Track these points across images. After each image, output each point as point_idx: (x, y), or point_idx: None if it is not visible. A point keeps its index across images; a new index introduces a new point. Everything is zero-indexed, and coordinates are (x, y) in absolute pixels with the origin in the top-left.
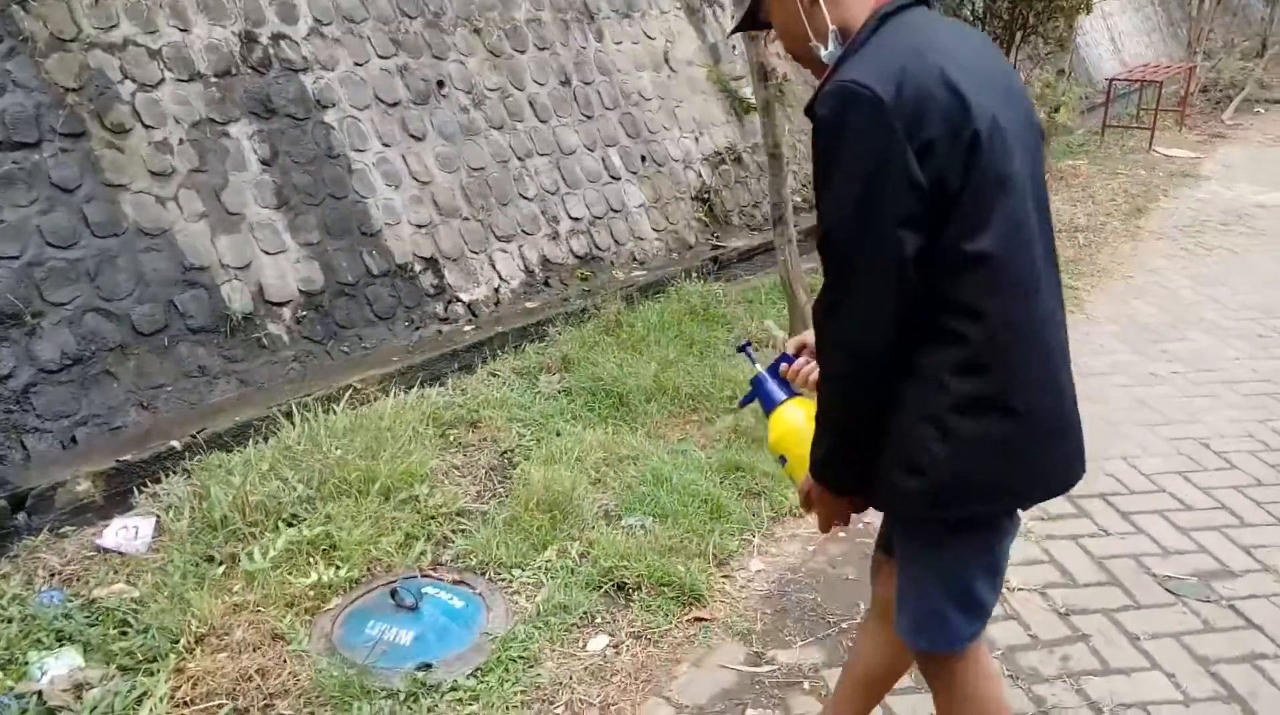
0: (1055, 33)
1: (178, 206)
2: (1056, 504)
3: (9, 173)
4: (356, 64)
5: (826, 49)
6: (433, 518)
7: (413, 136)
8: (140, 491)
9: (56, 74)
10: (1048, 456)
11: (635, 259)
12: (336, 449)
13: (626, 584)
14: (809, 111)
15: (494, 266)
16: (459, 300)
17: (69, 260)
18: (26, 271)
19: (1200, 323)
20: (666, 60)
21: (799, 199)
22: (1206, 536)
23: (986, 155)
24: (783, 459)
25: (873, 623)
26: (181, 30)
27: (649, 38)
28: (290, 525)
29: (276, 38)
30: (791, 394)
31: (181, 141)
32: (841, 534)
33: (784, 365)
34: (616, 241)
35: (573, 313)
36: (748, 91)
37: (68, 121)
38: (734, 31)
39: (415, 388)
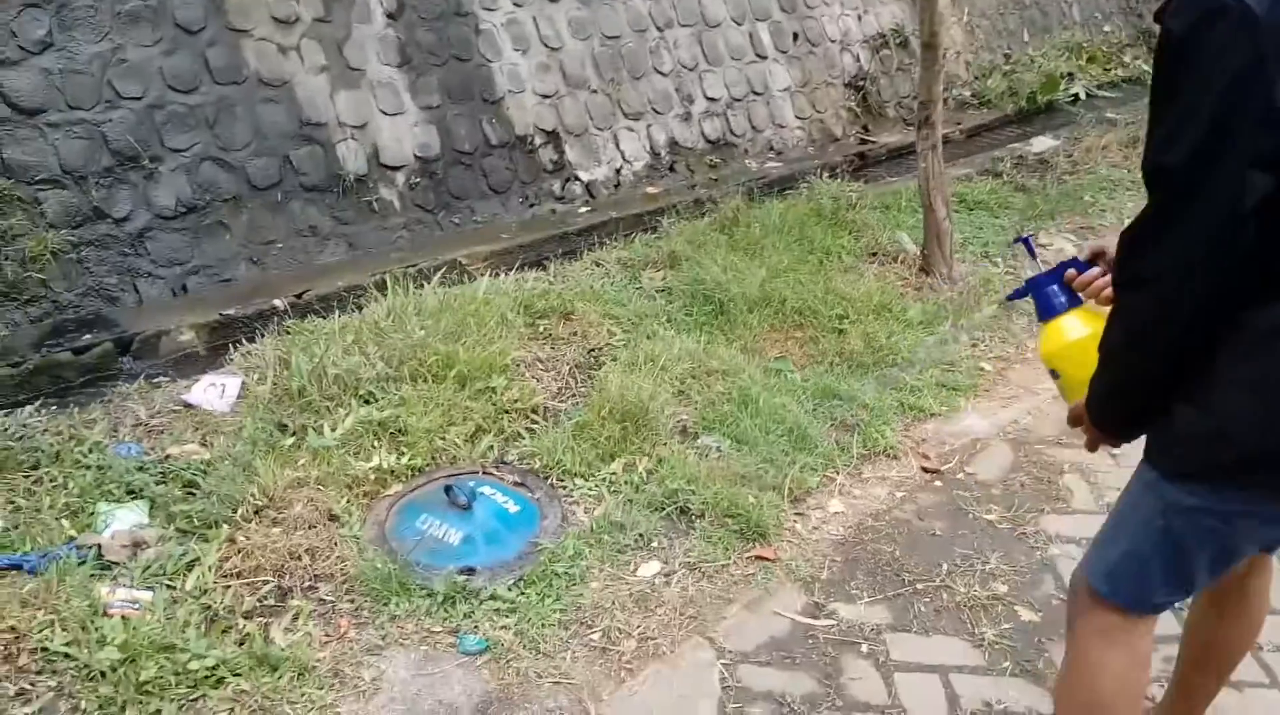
0: None
1: (299, 57)
2: None
3: (134, 9)
4: None
5: None
6: (506, 412)
7: None
8: (235, 348)
9: None
10: None
11: (772, 148)
12: (421, 329)
13: (690, 509)
14: (1158, 18)
15: (618, 146)
16: (578, 179)
17: (189, 106)
18: (147, 114)
19: None
20: None
21: (966, 93)
22: None
23: None
24: (1054, 373)
25: (1210, 604)
26: None
27: None
28: (366, 403)
29: None
30: (1076, 303)
31: None
32: (938, 483)
33: (1071, 270)
34: (754, 128)
35: (690, 204)
36: None
37: None
38: None
39: (515, 270)
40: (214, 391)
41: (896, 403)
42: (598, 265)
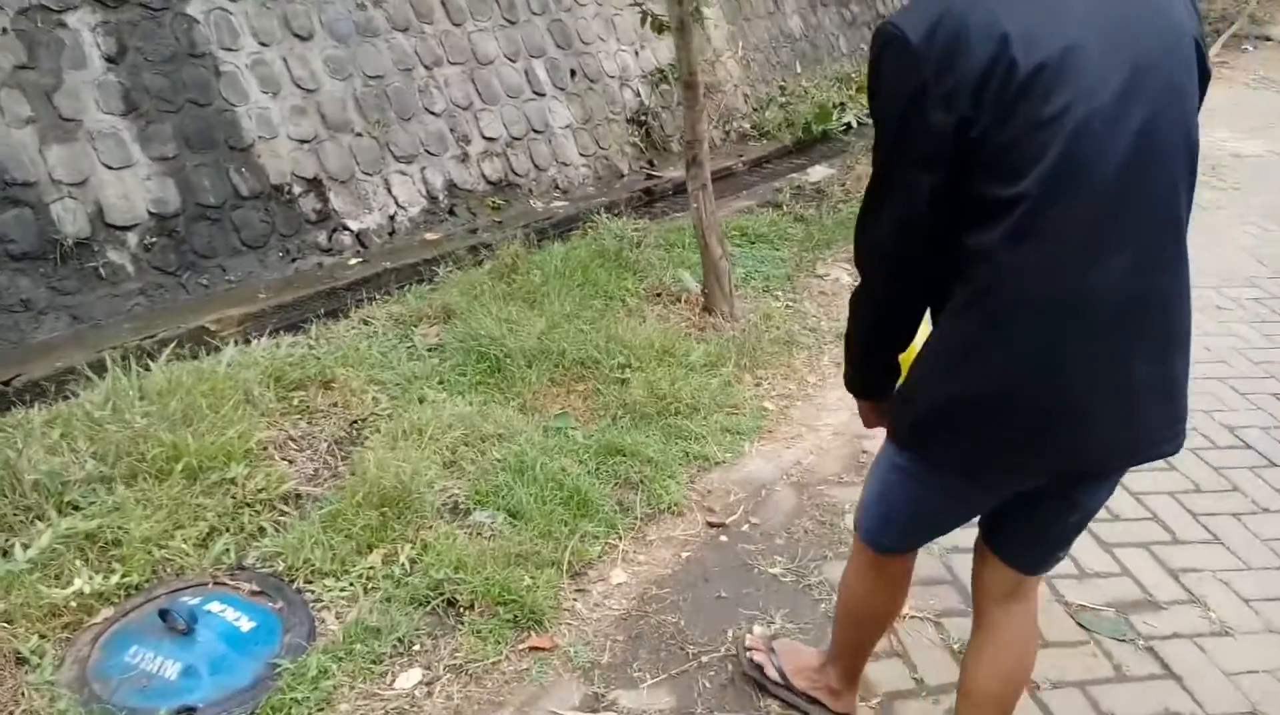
0: None
1: None
2: (1094, 558)
3: None
4: None
5: None
6: (249, 505)
7: (296, 35)
8: None
9: None
10: (1042, 427)
11: (558, 187)
12: (143, 417)
13: (458, 601)
14: None
15: (390, 191)
16: (346, 228)
17: None
18: None
19: None
20: None
21: (746, 125)
22: (1131, 556)
23: (1030, 99)
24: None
25: (978, 639)
26: None
27: None
28: (71, 511)
29: None
30: None
31: (5, 31)
32: (724, 538)
33: None
34: (537, 166)
35: (470, 249)
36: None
37: None
38: None
39: (271, 334)
40: None
41: (681, 453)
42: (365, 323)
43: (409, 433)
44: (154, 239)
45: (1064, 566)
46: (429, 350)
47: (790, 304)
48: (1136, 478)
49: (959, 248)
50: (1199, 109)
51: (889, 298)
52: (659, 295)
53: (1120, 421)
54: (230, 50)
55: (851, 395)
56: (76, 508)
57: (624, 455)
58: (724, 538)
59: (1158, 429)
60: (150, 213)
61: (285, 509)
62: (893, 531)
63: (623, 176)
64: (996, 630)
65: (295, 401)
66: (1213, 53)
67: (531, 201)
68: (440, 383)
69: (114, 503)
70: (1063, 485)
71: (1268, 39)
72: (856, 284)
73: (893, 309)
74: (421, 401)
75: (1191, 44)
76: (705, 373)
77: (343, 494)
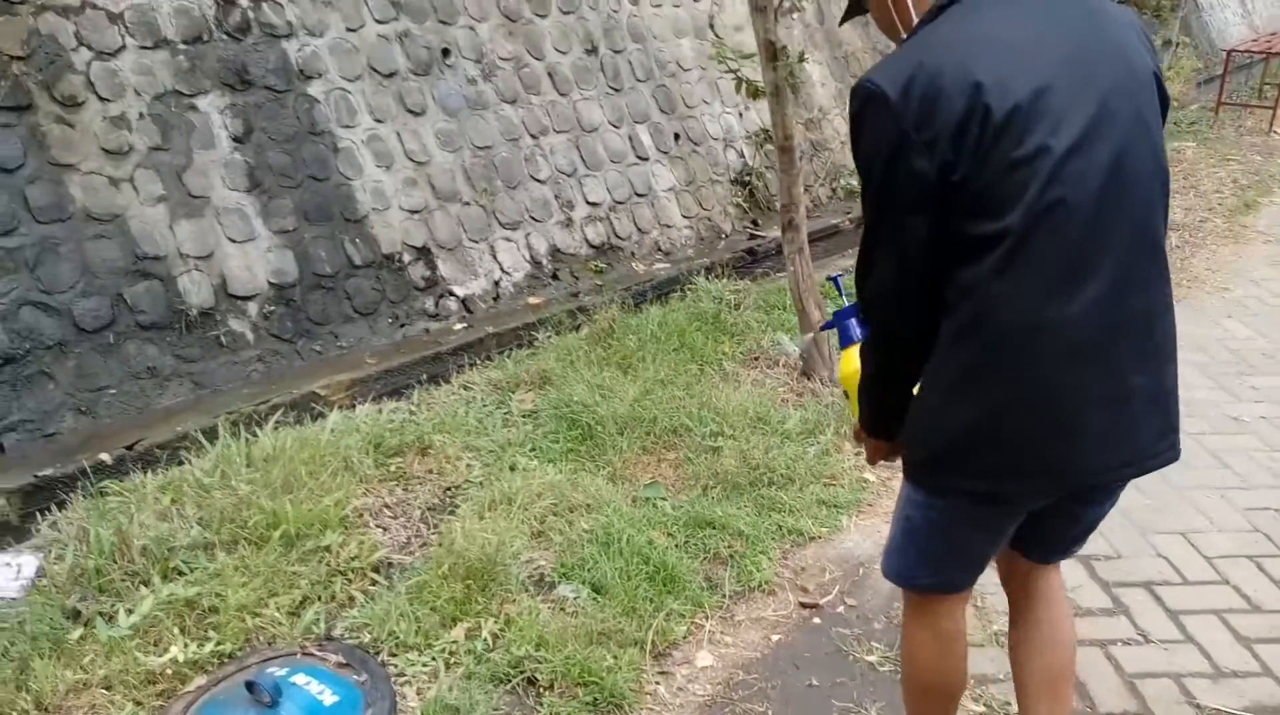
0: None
1: (133, 188)
2: (1088, 594)
3: None
4: (349, 29)
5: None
6: (341, 573)
7: (410, 111)
8: (44, 516)
9: (1, 40)
10: (1045, 450)
11: (660, 249)
12: (248, 483)
13: (538, 680)
14: None
15: (495, 257)
16: (452, 294)
17: (5, 249)
18: None
19: None
20: (711, 26)
21: (854, 182)
22: (1276, 653)
23: (1005, 141)
24: (846, 394)
25: (1019, 629)
26: None
27: (693, 0)
28: (175, 577)
29: (257, 0)
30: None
31: (142, 116)
32: (817, 620)
33: None
34: (640, 229)
35: (571, 313)
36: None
37: (11, 93)
38: (844, 21)
39: (376, 399)
40: (7, 572)
41: (774, 527)
42: (466, 389)
43: (499, 502)
44: (272, 308)
45: (1195, 661)
46: (524, 416)
47: None
48: (1278, 567)
49: (948, 283)
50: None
51: (899, 338)
52: (756, 359)
53: (1117, 435)
54: (348, 127)
55: (866, 435)
56: (180, 573)
57: (714, 528)
58: (817, 620)
59: (1153, 441)
60: (270, 283)
61: (376, 577)
62: (926, 567)
63: (725, 237)
64: (1032, 614)
65: (393, 468)
66: None
67: (633, 264)
68: (533, 450)
69: (215, 569)
70: (1065, 502)
71: None
72: (868, 328)
73: (904, 347)
74: (513, 469)
75: (1151, 77)
76: (801, 441)
77: (430, 565)
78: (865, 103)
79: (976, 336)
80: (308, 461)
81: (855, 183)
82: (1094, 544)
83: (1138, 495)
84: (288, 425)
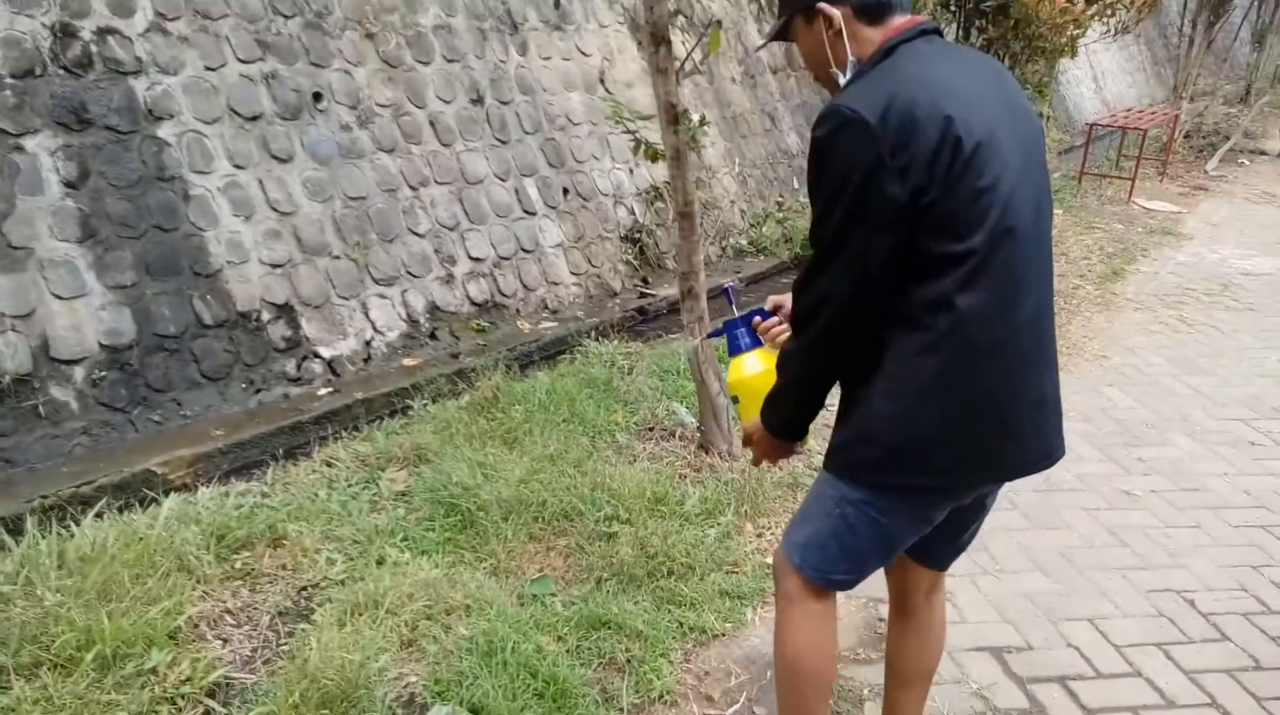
0: (1035, 76)
1: None
2: (1004, 693)
3: None
4: (208, 68)
5: (845, 76)
6: (170, 700)
7: (275, 157)
8: None
9: None
10: (991, 447)
11: (547, 307)
12: (56, 591)
13: None
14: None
15: (367, 315)
16: (317, 356)
17: None
18: None
19: (1183, 422)
20: (602, 80)
21: (744, 241)
22: None
23: (971, 171)
24: (735, 398)
25: (902, 626)
26: None
27: (583, 54)
28: None
29: (103, 32)
30: (756, 344)
31: None
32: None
33: (758, 318)
34: (526, 286)
35: (451, 376)
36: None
37: None
38: (764, 45)
39: (221, 479)
40: None
41: (674, 625)
42: (329, 465)
43: (363, 605)
44: (103, 373)
45: None
46: (395, 498)
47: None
48: (1189, 651)
49: (909, 299)
50: None
51: (834, 348)
52: (651, 430)
53: (1039, 434)
54: (202, 173)
55: (771, 435)
56: None
57: (609, 628)
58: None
59: (1057, 436)
60: (101, 345)
61: (212, 705)
62: (847, 563)
63: (615, 295)
64: (920, 617)
65: (238, 565)
66: (1209, 166)
67: (519, 322)
68: (404, 540)
69: (6, 705)
70: (983, 496)
71: (1263, 153)
72: (798, 335)
73: (836, 357)
74: (381, 563)
75: (1040, 126)
76: (701, 523)
77: (278, 690)
78: (842, 126)
79: (951, 347)
80: (134, 562)
81: (744, 242)
82: (1004, 634)
83: (1043, 579)
84: (114, 513)
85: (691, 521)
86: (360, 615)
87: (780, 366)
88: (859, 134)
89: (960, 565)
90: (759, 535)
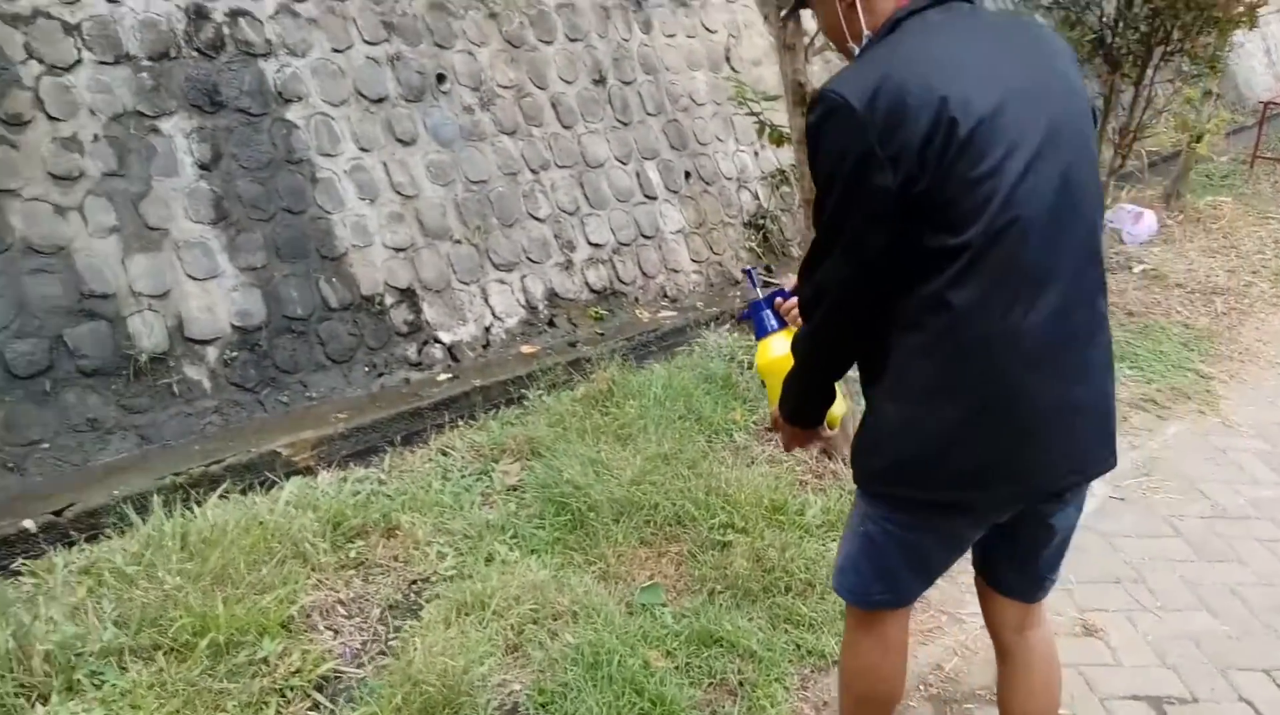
0: (1206, 50)
1: (82, 218)
2: None
3: None
4: (335, 50)
5: (860, 50)
6: (279, 691)
7: (399, 140)
8: None
9: None
10: (1007, 455)
11: (666, 295)
12: (175, 575)
13: None
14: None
15: (487, 300)
16: (438, 341)
17: None
18: None
19: None
20: (728, 58)
21: None
22: None
23: (968, 157)
24: (763, 383)
25: (1005, 671)
26: (111, 2)
27: (708, 31)
28: (79, 693)
29: (235, 14)
30: (782, 326)
31: (96, 138)
32: None
33: (780, 298)
34: (645, 273)
35: (568, 366)
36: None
37: None
38: (787, 14)
39: (341, 464)
40: None
41: (791, 646)
42: (444, 454)
43: (470, 606)
44: (234, 353)
45: None
46: (507, 492)
47: None
48: None
49: (909, 296)
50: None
51: (835, 339)
52: (771, 430)
53: (1068, 442)
54: (329, 156)
55: (786, 423)
56: (84, 690)
57: (721, 645)
58: None
59: (1097, 447)
60: (233, 326)
61: (319, 699)
62: (880, 583)
63: (737, 283)
64: (1016, 656)
65: (352, 553)
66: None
67: (637, 311)
68: (514, 537)
69: (124, 686)
70: (1034, 511)
71: None
72: (803, 321)
73: (838, 347)
74: (490, 560)
75: (1087, 101)
76: (823, 535)
77: (382, 692)
78: (829, 113)
79: (945, 348)
80: (251, 548)
81: None
82: (1164, 682)
83: (1211, 619)
84: (239, 494)
85: (812, 534)
86: (467, 615)
87: (792, 351)
88: (845, 121)
89: (1115, 599)
90: (772, 442)
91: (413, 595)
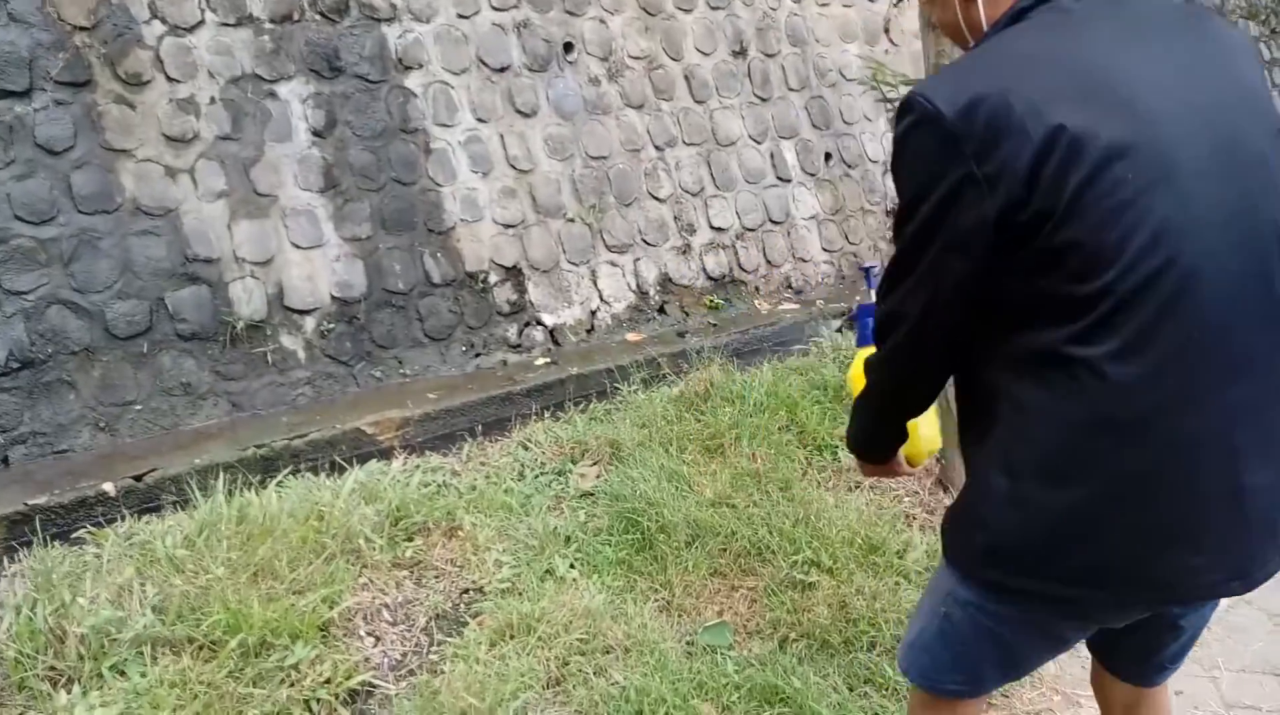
0: None
1: (192, 181)
2: None
3: None
4: (460, 16)
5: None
6: (305, 702)
7: (519, 112)
8: (10, 562)
9: (64, 7)
10: (1147, 555)
11: (790, 286)
12: (222, 565)
13: None
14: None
15: (595, 283)
16: (540, 323)
17: (39, 240)
18: None
19: None
20: (886, 31)
21: None
22: None
23: (1101, 183)
24: (849, 394)
25: None
26: None
27: (868, 0)
28: (105, 683)
29: None
30: None
31: (213, 100)
32: None
33: None
34: (769, 262)
35: (673, 358)
36: None
37: (69, 67)
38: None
39: (421, 450)
40: None
41: None
42: (525, 448)
43: (517, 629)
44: (332, 325)
45: None
46: (580, 496)
47: None
48: None
49: (1020, 343)
50: None
51: (907, 372)
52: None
53: (1232, 539)
54: (445, 126)
55: (853, 454)
56: (121, 676)
57: (787, 704)
58: None
59: (1267, 543)
60: (333, 296)
61: (345, 714)
62: (960, 674)
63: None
64: None
65: (409, 553)
66: None
67: (756, 301)
68: (577, 551)
69: (148, 682)
70: (1161, 615)
71: None
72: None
73: (909, 383)
74: (547, 576)
75: (1273, 109)
76: (922, 583)
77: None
78: (916, 123)
79: (1081, 417)
80: (303, 542)
81: None
82: None
83: None
84: (310, 472)
85: (911, 580)
86: (512, 638)
87: (864, 373)
88: (934, 132)
89: (1275, 696)
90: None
91: (462, 606)
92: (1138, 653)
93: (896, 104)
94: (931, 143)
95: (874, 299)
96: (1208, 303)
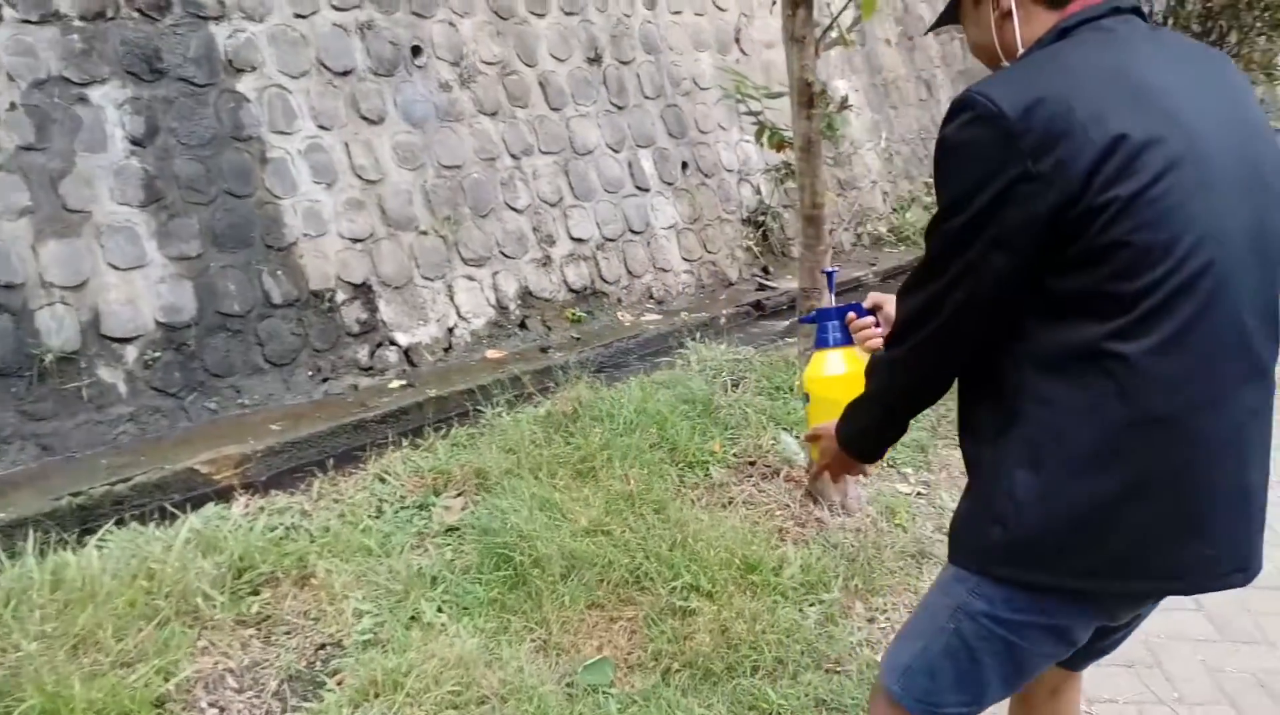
0: (1265, 57)
1: None
2: None
3: None
4: (298, 15)
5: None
6: None
7: (365, 118)
8: None
9: None
10: (1165, 547)
11: (652, 297)
12: (34, 640)
13: None
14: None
15: (452, 298)
16: (393, 342)
17: None
18: None
19: None
20: (738, 40)
21: (883, 228)
22: None
23: (1156, 188)
24: (806, 397)
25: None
26: None
27: (719, 8)
28: None
29: None
30: (847, 342)
31: (13, 106)
32: None
33: (852, 313)
34: (631, 272)
35: (537, 375)
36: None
37: None
38: (933, 28)
39: (265, 488)
40: None
41: None
42: (381, 480)
43: (381, 686)
44: (158, 354)
45: None
46: (446, 531)
47: (924, 491)
48: None
49: (1047, 340)
50: None
51: (927, 370)
52: (753, 465)
53: (1240, 534)
54: (283, 134)
55: (842, 449)
56: None
57: None
58: None
59: (1258, 539)
60: (158, 322)
61: None
62: (963, 693)
63: (731, 285)
64: None
65: (255, 608)
66: None
67: (619, 313)
68: (444, 593)
69: None
70: (1137, 613)
71: None
72: (893, 341)
73: (927, 380)
74: (414, 621)
75: (1275, 143)
76: (799, 599)
77: None
78: (974, 121)
79: (1118, 414)
80: (130, 606)
81: (884, 229)
82: None
83: None
84: (137, 522)
85: (788, 597)
86: (377, 697)
87: (868, 373)
88: (993, 130)
89: (1125, 687)
90: (870, 620)
91: (318, 664)
92: (1093, 642)
93: (757, 116)
94: (989, 139)
95: (834, 303)
96: (1234, 307)
